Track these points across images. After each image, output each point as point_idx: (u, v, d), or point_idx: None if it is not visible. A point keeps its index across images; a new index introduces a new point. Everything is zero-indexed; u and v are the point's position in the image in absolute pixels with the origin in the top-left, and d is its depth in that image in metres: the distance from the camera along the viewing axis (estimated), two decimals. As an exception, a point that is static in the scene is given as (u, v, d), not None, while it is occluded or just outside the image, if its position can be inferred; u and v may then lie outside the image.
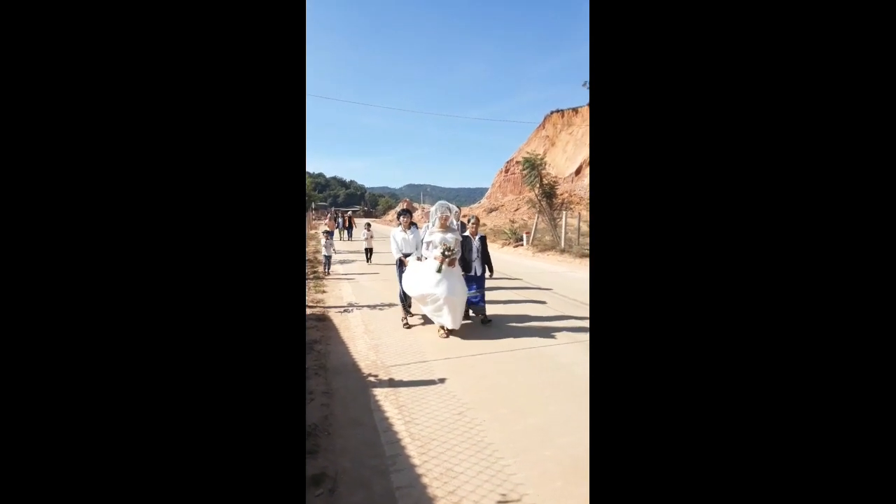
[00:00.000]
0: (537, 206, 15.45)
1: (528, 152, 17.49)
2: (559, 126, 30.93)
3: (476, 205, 32.55)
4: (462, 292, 4.49)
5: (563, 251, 12.50)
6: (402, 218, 5.24)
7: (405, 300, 4.95)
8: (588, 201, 17.58)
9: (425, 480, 2.09)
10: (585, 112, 28.54)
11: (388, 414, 2.78)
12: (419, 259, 4.86)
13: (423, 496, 1.98)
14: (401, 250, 5.07)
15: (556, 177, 19.06)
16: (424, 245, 4.67)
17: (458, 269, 4.60)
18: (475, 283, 4.98)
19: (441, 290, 4.32)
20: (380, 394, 3.09)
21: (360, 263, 10.38)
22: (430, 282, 4.36)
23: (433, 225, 4.67)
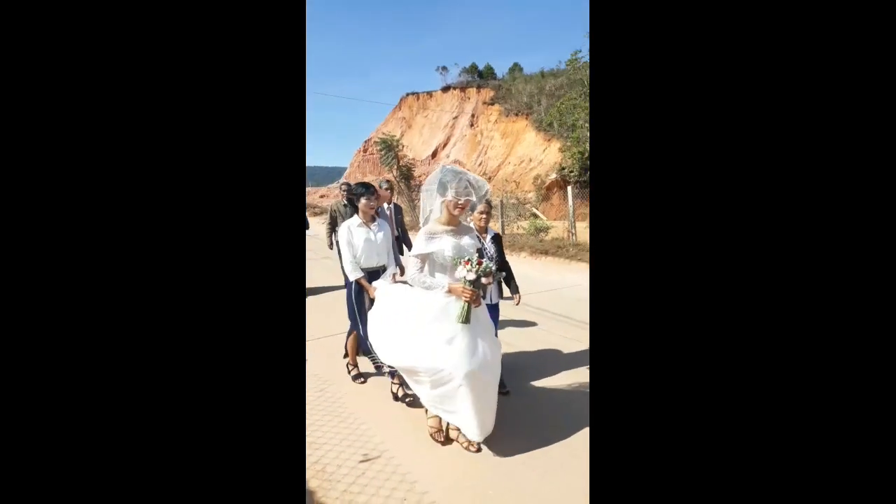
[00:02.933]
0: (396, 186, 15.83)
1: (384, 133, 17.62)
2: (415, 109, 31.58)
3: (334, 184, 31.43)
4: (496, 359, 2.30)
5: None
6: (363, 200, 2.75)
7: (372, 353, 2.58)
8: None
9: (289, 456, 2.20)
10: (439, 96, 29.69)
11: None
12: (401, 283, 2.59)
13: (287, 470, 2.10)
14: (358, 262, 2.77)
15: (413, 159, 19.64)
16: (416, 260, 2.28)
17: (483, 312, 2.34)
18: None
19: (456, 361, 2.11)
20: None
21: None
22: (435, 340, 2.16)
23: (433, 217, 2.33)
